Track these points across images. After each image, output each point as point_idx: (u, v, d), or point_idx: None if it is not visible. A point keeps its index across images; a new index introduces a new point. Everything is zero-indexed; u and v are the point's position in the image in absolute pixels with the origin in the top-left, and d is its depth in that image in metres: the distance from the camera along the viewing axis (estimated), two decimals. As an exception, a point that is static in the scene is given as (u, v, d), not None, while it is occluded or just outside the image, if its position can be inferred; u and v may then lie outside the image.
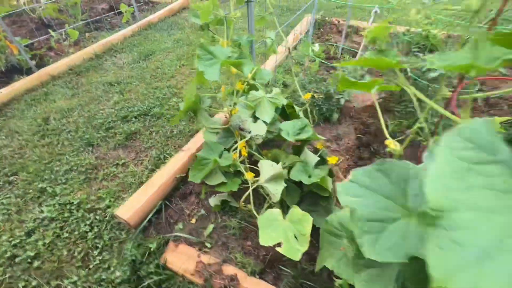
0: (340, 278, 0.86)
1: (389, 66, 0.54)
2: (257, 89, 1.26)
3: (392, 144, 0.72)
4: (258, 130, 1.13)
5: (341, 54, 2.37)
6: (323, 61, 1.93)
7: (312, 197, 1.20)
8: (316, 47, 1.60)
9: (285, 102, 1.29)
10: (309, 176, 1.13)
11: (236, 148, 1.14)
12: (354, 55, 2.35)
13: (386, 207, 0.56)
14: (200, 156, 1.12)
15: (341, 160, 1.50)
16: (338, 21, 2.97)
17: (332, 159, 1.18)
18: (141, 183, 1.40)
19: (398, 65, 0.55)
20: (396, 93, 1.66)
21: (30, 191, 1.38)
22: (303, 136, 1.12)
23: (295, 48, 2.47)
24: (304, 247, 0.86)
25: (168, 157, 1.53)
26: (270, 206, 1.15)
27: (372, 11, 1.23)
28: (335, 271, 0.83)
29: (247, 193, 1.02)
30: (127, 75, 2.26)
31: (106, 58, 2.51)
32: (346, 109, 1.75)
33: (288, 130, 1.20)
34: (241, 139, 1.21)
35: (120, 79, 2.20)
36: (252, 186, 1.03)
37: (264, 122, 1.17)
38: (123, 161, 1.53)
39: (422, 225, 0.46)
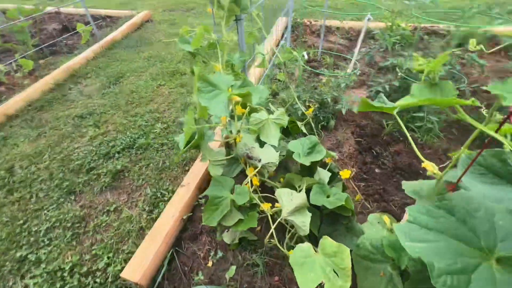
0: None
1: (450, 104, 0.48)
2: (257, 111, 1.17)
3: (431, 167, 0.68)
4: (269, 157, 1.05)
5: (321, 56, 2.36)
6: (311, 68, 1.89)
7: (331, 217, 1.15)
8: (305, 55, 1.56)
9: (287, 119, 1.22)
10: (328, 197, 1.08)
11: (244, 177, 1.05)
12: (332, 55, 2.36)
13: (461, 251, 0.51)
14: (211, 195, 1.01)
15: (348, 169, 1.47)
16: (310, 22, 2.98)
17: (344, 174, 1.13)
18: (141, 229, 1.25)
19: (458, 102, 0.49)
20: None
21: (7, 263, 1.16)
22: (317, 157, 1.06)
23: (273, 55, 2.42)
24: (348, 282, 0.80)
25: (166, 193, 1.38)
26: (293, 237, 1.08)
27: (365, 19, 1.21)
28: (385, 304, 0.78)
29: (270, 231, 0.94)
30: (99, 103, 2.04)
31: (70, 87, 2.25)
32: (339, 113, 1.74)
33: (298, 150, 1.13)
34: (247, 167, 1.12)
35: (91, 109, 1.98)
36: (274, 221, 0.95)
37: (272, 146, 1.10)
38: (114, 206, 1.36)
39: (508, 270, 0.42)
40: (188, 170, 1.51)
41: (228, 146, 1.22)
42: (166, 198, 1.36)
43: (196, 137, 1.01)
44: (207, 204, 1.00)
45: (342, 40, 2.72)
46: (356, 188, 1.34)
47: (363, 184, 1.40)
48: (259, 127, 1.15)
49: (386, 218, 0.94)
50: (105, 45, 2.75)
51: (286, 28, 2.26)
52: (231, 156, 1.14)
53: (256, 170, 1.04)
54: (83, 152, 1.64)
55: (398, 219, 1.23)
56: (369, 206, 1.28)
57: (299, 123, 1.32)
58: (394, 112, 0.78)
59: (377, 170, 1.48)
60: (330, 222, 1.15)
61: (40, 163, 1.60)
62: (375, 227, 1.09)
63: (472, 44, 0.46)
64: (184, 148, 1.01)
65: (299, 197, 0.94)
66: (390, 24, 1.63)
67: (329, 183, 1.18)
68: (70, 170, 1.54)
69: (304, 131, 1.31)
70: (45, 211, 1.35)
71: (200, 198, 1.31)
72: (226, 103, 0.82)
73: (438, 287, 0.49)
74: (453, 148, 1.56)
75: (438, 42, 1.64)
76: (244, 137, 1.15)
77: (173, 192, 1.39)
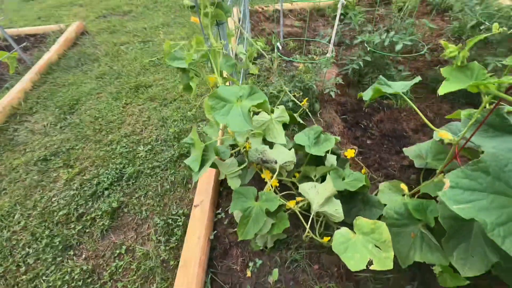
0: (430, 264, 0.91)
1: (486, 89, 0.53)
2: (257, 113, 1.16)
3: (446, 135, 0.76)
4: (285, 157, 1.05)
5: (284, 42, 2.38)
6: (285, 58, 1.89)
7: (347, 195, 1.22)
8: (279, 46, 1.55)
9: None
10: (343, 179, 1.14)
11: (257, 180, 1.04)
12: (295, 41, 2.39)
13: (503, 203, 0.59)
14: (240, 209, 0.99)
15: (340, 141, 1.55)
16: (263, 8, 2.94)
17: (349, 153, 1.21)
18: (164, 262, 1.18)
19: (501, 81, 0.53)
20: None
21: None
22: (327, 145, 1.10)
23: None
24: (391, 252, 0.87)
25: (178, 218, 1.31)
26: (321, 224, 1.12)
27: (339, 3, 1.24)
28: (426, 261, 0.88)
29: (308, 225, 0.96)
30: (61, 139, 1.78)
31: (15, 128, 1.92)
32: (320, 96, 1.80)
33: (305, 142, 1.16)
34: (263, 170, 1.12)
35: (54, 148, 1.72)
36: (303, 216, 0.98)
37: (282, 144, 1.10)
38: (124, 247, 1.25)
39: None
40: (191, 188, 1.45)
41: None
42: (180, 223, 1.29)
43: (210, 156, 0.96)
44: (240, 221, 0.97)
45: (297, 22, 2.77)
46: (359, 162, 1.44)
47: (361, 157, 1.50)
48: (264, 129, 1.14)
49: (403, 185, 1.04)
50: (42, 70, 2.37)
51: (240, 18, 2.20)
52: (245, 165, 1.12)
53: (276, 173, 1.04)
54: (64, 199, 1.44)
55: (402, 180, 1.36)
56: (374, 176, 1.38)
57: (295, 115, 1.33)
58: (401, 92, 0.84)
59: (368, 141, 1.60)
60: (348, 199, 1.22)
61: (14, 225, 1.36)
62: (388, 195, 1.19)
63: (495, 27, 0.52)
64: (199, 171, 0.96)
65: (326, 188, 0.98)
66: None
67: (337, 165, 1.24)
68: (56, 223, 1.35)
69: (301, 121, 1.34)
70: (43, 277, 1.17)
71: (218, 213, 1.27)
72: (246, 115, 0.79)
73: (494, 239, 0.57)
74: (423, 106, 1.75)
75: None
76: (252, 142, 1.13)
77: (184, 214, 1.32)
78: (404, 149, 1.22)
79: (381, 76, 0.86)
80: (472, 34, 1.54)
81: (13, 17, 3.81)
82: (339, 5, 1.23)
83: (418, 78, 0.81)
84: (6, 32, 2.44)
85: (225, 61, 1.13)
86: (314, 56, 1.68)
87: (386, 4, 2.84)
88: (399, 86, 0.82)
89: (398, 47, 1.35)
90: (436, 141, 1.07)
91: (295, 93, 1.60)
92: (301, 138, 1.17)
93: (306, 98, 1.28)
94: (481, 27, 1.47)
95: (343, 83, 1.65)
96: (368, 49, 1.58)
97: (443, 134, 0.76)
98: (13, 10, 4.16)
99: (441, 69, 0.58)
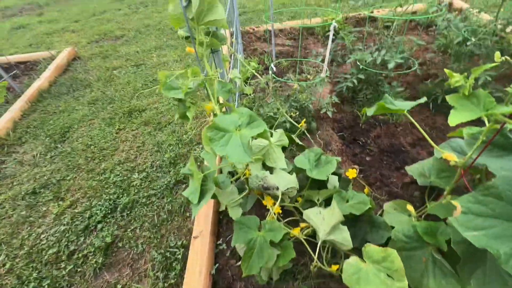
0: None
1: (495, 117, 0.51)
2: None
3: (452, 157, 0.74)
4: (287, 183, 1.02)
5: (276, 61, 2.42)
6: (279, 79, 1.90)
7: (351, 217, 1.18)
8: (273, 67, 1.56)
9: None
10: (347, 201, 1.10)
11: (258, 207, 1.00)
12: (287, 60, 2.43)
13: (521, 231, 0.57)
14: (243, 241, 0.93)
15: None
16: (253, 29, 3.01)
17: (351, 173, 1.18)
18: (163, 301, 1.09)
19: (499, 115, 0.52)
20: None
21: None
22: (329, 168, 1.08)
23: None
24: (404, 281, 0.83)
25: (177, 250, 1.24)
26: (334, 252, 1.08)
27: (330, 27, 1.26)
28: (442, 288, 0.83)
29: (316, 254, 0.92)
30: (51, 170, 1.71)
31: (2, 160, 1.84)
32: (315, 113, 1.80)
33: (305, 165, 1.13)
34: (264, 197, 1.07)
35: (43, 180, 1.65)
36: (308, 243, 0.93)
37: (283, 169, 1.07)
38: (119, 286, 1.16)
39: None
40: (189, 216, 1.39)
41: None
42: (179, 256, 1.22)
43: (209, 187, 0.92)
44: (244, 255, 0.92)
45: (288, 41, 2.83)
46: (360, 181, 1.41)
47: (362, 175, 1.48)
48: (263, 154, 1.11)
49: (409, 206, 1.01)
50: (32, 98, 2.33)
51: (232, 40, 2.23)
52: (245, 193, 1.08)
53: (279, 200, 1.00)
54: (53, 236, 1.36)
55: (405, 198, 1.33)
56: (377, 195, 1.35)
57: (293, 136, 1.32)
58: (406, 112, 0.83)
59: (367, 158, 1.59)
60: (353, 222, 1.18)
61: (-1, 268, 1.27)
62: (393, 216, 1.16)
63: (497, 56, 0.52)
64: (199, 203, 0.91)
65: (332, 214, 0.94)
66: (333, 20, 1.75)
67: (339, 186, 1.21)
68: (45, 263, 1.26)
69: (299, 142, 1.32)
70: (31, 327, 1.07)
71: (219, 244, 1.21)
72: (245, 146, 0.76)
73: (509, 271, 0.54)
74: (417, 120, 1.77)
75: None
76: (251, 168, 1.09)
77: (183, 246, 1.26)
78: (406, 168, 1.20)
79: (386, 95, 0.86)
80: (459, 50, 1.58)
81: (3, 45, 3.80)
82: (331, 28, 1.25)
83: (424, 99, 0.80)
84: (-4, 61, 2.41)
85: (221, 87, 1.12)
86: (308, 76, 1.69)
87: (372, 21, 2.95)
88: (404, 105, 0.82)
89: (391, 65, 1.37)
90: (438, 158, 1.05)
91: (292, 113, 1.59)
92: (301, 161, 1.15)
93: (304, 119, 1.26)
94: (467, 43, 1.52)
95: (338, 101, 1.66)
96: (361, 67, 1.60)
97: (448, 156, 0.74)
98: (2, 38, 4.16)
99: (447, 97, 0.57)
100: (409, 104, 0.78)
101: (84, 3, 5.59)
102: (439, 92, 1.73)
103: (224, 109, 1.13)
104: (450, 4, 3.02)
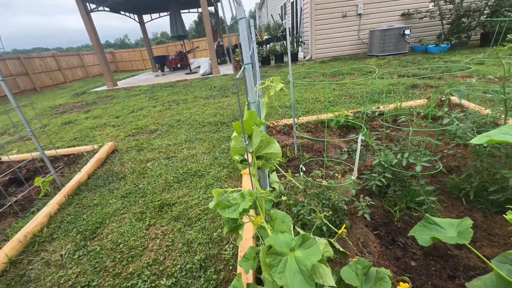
0: None
1: None
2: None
3: None
4: None
5: (298, 153, 2.59)
6: (310, 179, 2.02)
7: None
8: (303, 167, 1.68)
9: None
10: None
11: None
12: (309, 152, 2.61)
13: None
14: None
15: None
16: (273, 123, 3.38)
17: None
18: None
19: None
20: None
21: None
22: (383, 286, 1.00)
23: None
24: None
25: None
26: None
27: (358, 140, 1.44)
28: None
29: None
30: (76, 273, 1.65)
31: (30, 260, 1.82)
32: (348, 211, 1.80)
33: (354, 281, 1.06)
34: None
35: (66, 286, 1.57)
36: None
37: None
38: None
39: None
40: None
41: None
42: None
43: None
44: None
45: (306, 134, 3.11)
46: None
47: (413, 286, 1.34)
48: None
49: None
50: (70, 191, 2.48)
51: None
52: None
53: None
54: None
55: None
56: (437, 315, 1.19)
57: (333, 241, 1.28)
58: (467, 244, 0.84)
59: (412, 263, 1.47)
60: None
61: None
62: None
63: None
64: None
65: None
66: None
67: None
68: None
69: (340, 248, 1.27)
70: None
71: None
72: (304, 273, 0.75)
73: None
74: (454, 216, 1.71)
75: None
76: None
77: None
78: (467, 284, 1.10)
79: (427, 215, 0.88)
80: (478, 149, 1.68)
81: (53, 139, 4.34)
82: (359, 141, 1.41)
83: (469, 222, 0.82)
84: (45, 155, 2.70)
85: (267, 199, 1.19)
86: (336, 174, 1.78)
87: (380, 115, 3.27)
88: (451, 228, 0.83)
89: (418, 168, 1.45)
90: (500, 277, 0.97)
91: (325, 213, 1.60)
92: (348, 274, 1.08)
93: (344, 225, 1.26)
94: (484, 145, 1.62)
95: (373, 203, 1.68)
96: (386, 166, 1.69)
97: None
98: (53, 132, 4.79)
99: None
100: (459, 228, 0.80)
101: (125, 102, 6.62)
102: (469, 187, 1.75)
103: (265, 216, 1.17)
104: (449, 100, 3.39)
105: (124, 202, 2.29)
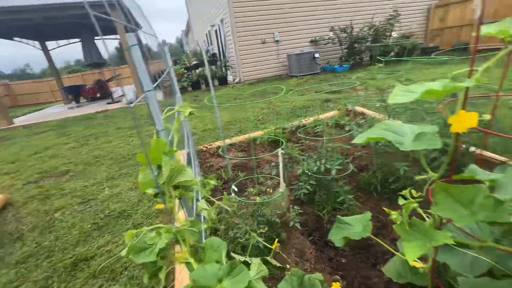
0: None
1: None
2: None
3: (419, 264, 0.82)
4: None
5: (232, 173, 2.59)
6: (244, 200, 2.00)
7: None
8: (235, 188, 1.66)
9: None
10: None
11: None
12: (243, 171, 2.64)
13: None
14: None
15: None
16: (206, 147, 3.32)
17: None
18: None
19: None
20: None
21: None
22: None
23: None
24: None
25: None
26: None
27: (279, 153, 1.51)
28: None
29: None
30: None
31: None
32: (282, 223, 1.85)
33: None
34: None
35: None
36: None
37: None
38: None
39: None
40: None
41: None
42: None
43: None
44: None
45: (240, 154, 3.16)
46: (346, 293, 1.35)
47: (345, 282, 1.44)
48: (245, 294, 1.02)
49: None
50: None
51: (187, 160, 2.38)
52: None
53: None
54: None
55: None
56: (368, 305, 1.29)
57: (269, 259, 1.28)
58: (370, 235, 0.94)
59: (343, 260, 1.59)
60: None
61: None
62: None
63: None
64: None
65: None
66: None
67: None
68: None
69: (277, 264, 1.28)
70: None
71: None
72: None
73: None
74: (368, 208, 1.97)
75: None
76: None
77: None
78: (383, 270, 1.24)
79: (338, 216, 0.98)
80: (378, 148, 2.01)
81: None
82: (280, 154, 1.50)
83: (369, 215, 0.94)
84: None
85: (191, 231, 1.11)
86: (268, 189, 1.84)
87: (305, 127, 3.61)
88: (358, 224, 0.93)
89: (333, 172, 1.62)
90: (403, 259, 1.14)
91: (261, 230, 1.60)
92: (285, 289, 1.08)
93: (276, 240, 1.28)
94: (380, 143, 1.95)
95: (303, 211, 1.78)
96: (310, 174, 1.84)
97: (415, 264, 0.82)
98: None
99: (394, 227, 0.71)
100: (364, 225, 0.90)
101: (25, 142, 5.46)
102: (375, 182, 2.05)
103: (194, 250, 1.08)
104: (354, 110, 4.03)
105: (19, 270, 1.79)
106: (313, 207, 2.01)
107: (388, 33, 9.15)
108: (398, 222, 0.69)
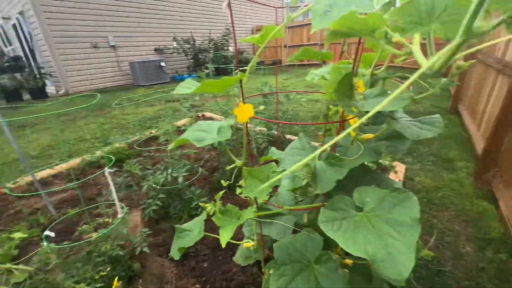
0: None
1: None
2: None
3: (249, 244, 0.91)
4: None
5: (60, 214, 1.94)
6: (64, 245, 1.49)
7: None
8: (50, 234, 1.20)
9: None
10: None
11: None
12: (74, 206, 2.05)
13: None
14: None
15: None
16: (11, 187, 2.28)
17: None
18: None
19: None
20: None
21: None
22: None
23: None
24: None
25: None
26: None
27: (106, 174, 1.22)
28: None
29: None
30: None
31: None
32: (132, 251, 1.58)
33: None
34: None
35: None
36: None
37: None
38: None
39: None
40: None
41: None
42: None
43: None
44: None
45: (69, 183, 2.44)
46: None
47: (209, 286, 1.43)
48: None
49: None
50: None
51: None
52: None
53: None
54: None
55: (249, 281, 1.43)
56: (229, 297, 1.34)
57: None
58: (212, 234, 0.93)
59: (205, 264, 1.58)
60: None
61: None
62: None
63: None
64: None
65: None
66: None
67: None
68: None
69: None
70: None
71: None
72: None
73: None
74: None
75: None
76: None
77: None
78: (234, 259, 1.32)
79: (176, 226, 0.92)
80: (219, 147, 2.17)
81: None
82: (107, 175, 1.24)
83: (204, 216, 0.95)
84: None
85: None
86: (106, 219, 1.50)
87: (155, 139, 3.35)
88: (196, 227, 0.92)
89: (181, 179, 1.57)
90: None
91: (101, 273, 1.27)
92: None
93: (117, 278, 1.05)
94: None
95: (150, 231, 1.59)
96: (158, 188, 1.69)
97: (247, 245, 0.91)
98: None
99: (213, 219, 0.74)
100: (200, 228, 0.90)
101: None
102: (226, 179, 2.22)
103: None
104: (203, 115, 4.22)
105: None
106: (171, 221, 1.87)
107: (226, 48, 10.46)
108: (211, 213, 0.72)
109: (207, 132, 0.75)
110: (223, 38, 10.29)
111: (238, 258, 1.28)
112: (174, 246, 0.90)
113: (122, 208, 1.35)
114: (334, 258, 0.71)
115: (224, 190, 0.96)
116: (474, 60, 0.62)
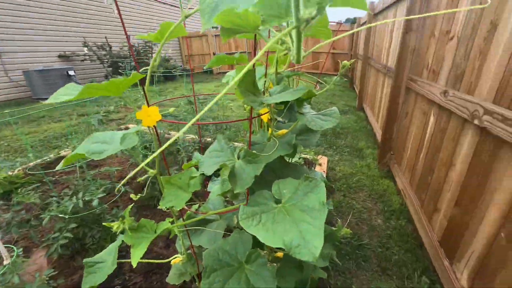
0: None
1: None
2: None
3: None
4: None
5: None
6: None
7: None
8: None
9: None
10: None
11: None
12: None
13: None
14: None
15: None
16: None
17: None
18: None
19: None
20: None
21: None
22: None
23: None
24: None
25: None
26: None
27: None
28: None
29: None
30: None
31: None
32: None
33: None
34: None
35: None
36: None
37: None
38: None
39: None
40: None
41: None
42: None
43: None
44: None
45: None
46: None
47: None
48: None
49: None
50: None
51: None
52: None
53: None
54: None
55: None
56: None
57: None
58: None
59: (137, 294, 1.39)
60: None
61: None
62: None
63: None
64: None
65: None
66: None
67: None
68: None
69: None
70: None
71: None
72: None
73: None
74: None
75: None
76: None
77: None
78: (167, 280, 1.21)
79: (84, 260, 0.78)
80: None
81: None
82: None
83: (119, 242, 0.83)
84: None
85: None
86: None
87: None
88: (110, 255, 0.79)
89: (95, 203, 1.35)
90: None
91: None
92: None
93: None
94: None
95: (56, 272, 1.31)
96: (68, 217, 1.41)
97: (174, 261, 0.83)
98: None
99: (122, 238, 0.64)
100: (113, 257, 0.78)
101: None
102: (156, 194, 2.04)
103: None
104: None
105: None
106: (89, 255, 1.58)
107: (150, 55, 9.76)
108: (118, 232, 0.63)
109: (107, 144, 0.66)
110: (146, 44, 9.59)
111: (171, 278, 1.17)
112: (86, 283, 0.75)
113: (14, 250, 1.06)
114: (262, 255, 0.72)
115: (136, 205, 0.86)
116: (353, 60, 0.74)
